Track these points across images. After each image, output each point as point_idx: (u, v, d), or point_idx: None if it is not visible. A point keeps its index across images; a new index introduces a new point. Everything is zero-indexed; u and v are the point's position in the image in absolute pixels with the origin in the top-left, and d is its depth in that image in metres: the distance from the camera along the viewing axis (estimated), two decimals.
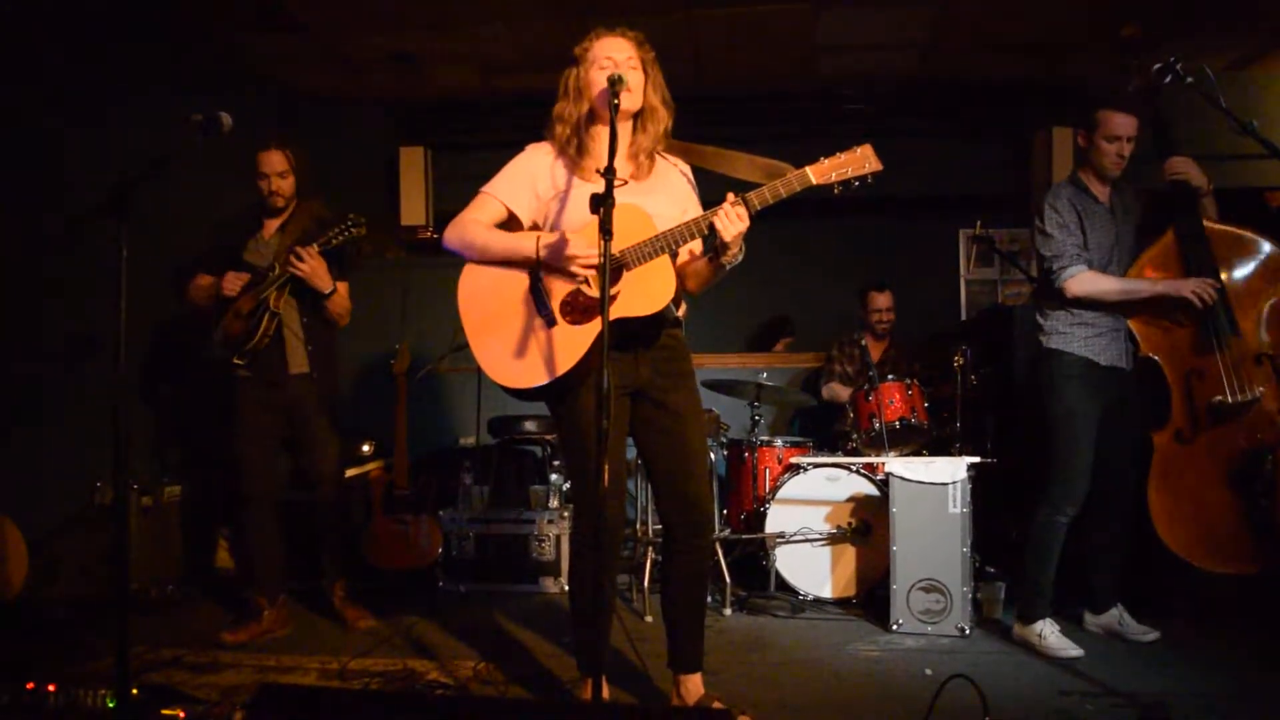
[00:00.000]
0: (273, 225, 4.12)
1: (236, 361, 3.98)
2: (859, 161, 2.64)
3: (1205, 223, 3.70)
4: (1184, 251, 3.69)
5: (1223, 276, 3.65)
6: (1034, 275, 4.96)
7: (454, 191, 6.19)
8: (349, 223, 3.93)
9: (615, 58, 2.76)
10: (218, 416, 4.24)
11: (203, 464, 5.44)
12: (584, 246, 2.69)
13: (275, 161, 4.06)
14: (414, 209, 6.39)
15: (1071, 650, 3.69)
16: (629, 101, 2.73)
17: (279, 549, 4.08)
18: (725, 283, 2.86)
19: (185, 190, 5.08)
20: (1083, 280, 3.69)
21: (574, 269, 2.71)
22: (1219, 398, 3.62)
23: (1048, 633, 3.76)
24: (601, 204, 2.38)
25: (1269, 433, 3.59)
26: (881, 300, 5.70)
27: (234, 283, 3.93)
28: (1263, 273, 3.69)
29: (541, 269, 2.78)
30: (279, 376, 4.04)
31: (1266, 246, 3.69)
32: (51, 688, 2.76)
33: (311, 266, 3.91)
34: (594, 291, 2.70)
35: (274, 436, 4.09)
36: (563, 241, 2.71)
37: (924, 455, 4.72)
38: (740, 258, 2.73)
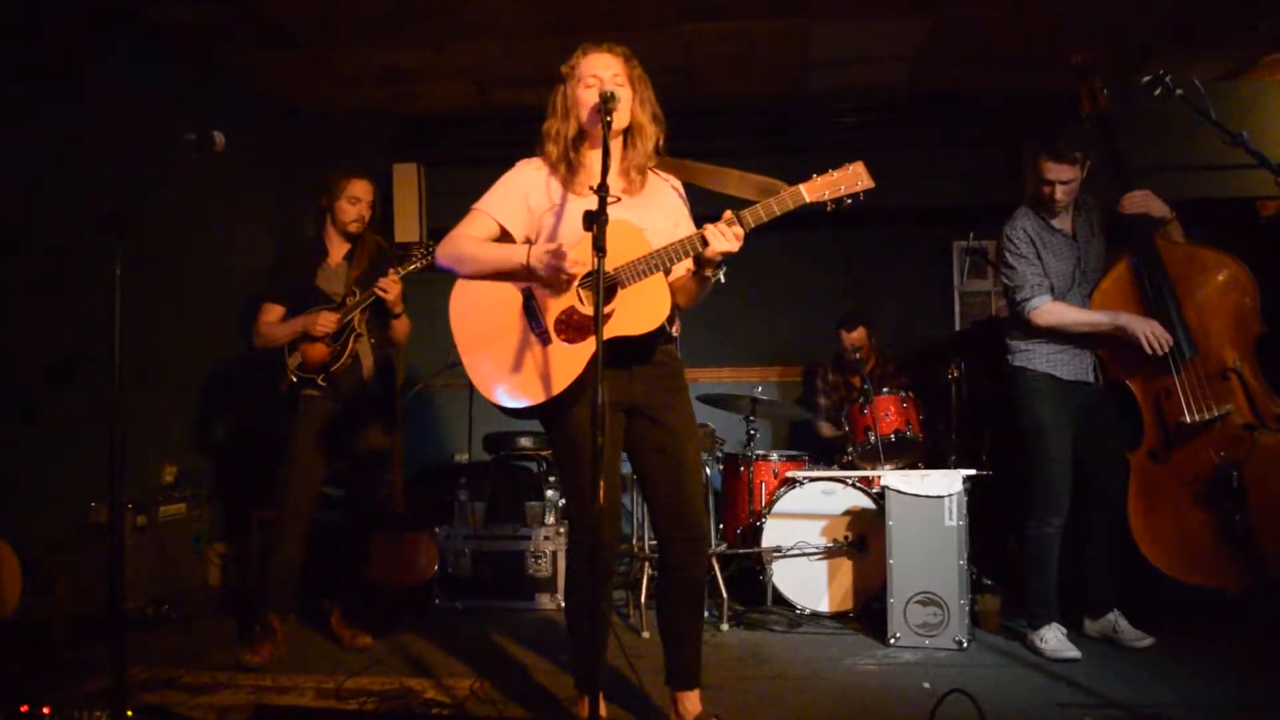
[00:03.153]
0: (339, 253, 4.22)
1: (320, 383, 4.05)
2: (851, 179, 2.65)
3: (1162, 243, 3.77)
4: (1140, 281, 3.77)
5: (1183, 295, 3.72)
6: None
7: (447, 208, 6.19)
8: (427, 248, 4.03)
9: (601, 75, 2.76)
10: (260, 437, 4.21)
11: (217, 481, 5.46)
12: (574, 256, 2.68)
13: (368, 190, 4.19)
14: (407, 226, 6.38)
15: (1069, 652, 3.75)
16: (616, 119, 2.72)
17: (299, 569, 4.08)
18: (718, 296, 2.86)
19: (182, 207, 5.12)
20: (1047, 312, 3.84)
21: (563, 276, 2.68)
22: (1182, 418, 3.68)
23: (1048, 635, 3.83)
24: (595, 220, 2.39)
25: (1234, 449, 3.63)
26: (850, 339, 5.52)
27: (329, 323, 4.03)
28: (1223, 288, 3.74)
29: (535, 285, 2.78)
30: (354, 395, 4.12)
31: (1226, 262, 3.75)
32: (46, 709, 2.75)
33: (399, 289, 4.06)
34: (588, 309, 2.70)
35: (325, 458, 4.11)
36: (554, 250, 2.67)
37: (920, 468, 4.72)
38: (721, 272, 2.73)
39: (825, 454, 5.54)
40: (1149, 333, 3.66)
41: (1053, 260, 3.87)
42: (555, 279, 2.71)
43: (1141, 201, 3.77)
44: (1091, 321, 3.80)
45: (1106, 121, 3.85)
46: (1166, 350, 3.65)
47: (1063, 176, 3.77)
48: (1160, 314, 3.70)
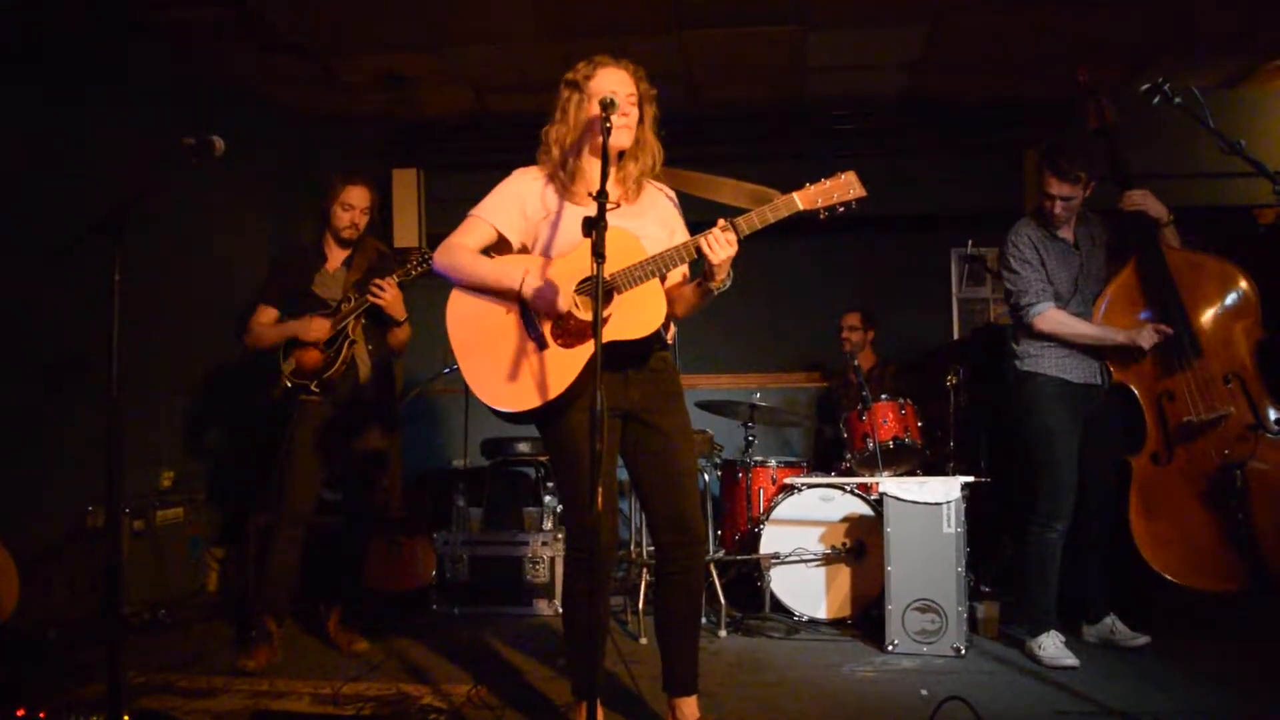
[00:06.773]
0: (337, 259, 4.20)
1: (313, 389, 4.03)
2: (844, 188, 2.67)
3: (1167, 249, 3.83)
4: (1145, 285, 3.83)
5: (1187, 299, 3.77)
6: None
7: (446, 213, 6.19)
8: (425, 255, 4.02)
9: (617, 93, 2.75)
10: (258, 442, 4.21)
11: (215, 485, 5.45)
12: (563, 291, 2.71)
13: (364, 196, 4.14)
14: (407, 231, 6.40)
15: (1067, 660, 3.75)
16: (624, 138, 2.76)
17: (296, 573, 4.07)
18: (717, 302, 2.86)
19: (181, 212, 5.12)
20: (1050, 319, 3.87)
21: (549, 311, 2.73)
22: (1188, 417, 3.73)
23: (1047, 643, 3.83)
24: (594, 227, 2.40)
25: (1238, 449, 3.66)
26: (845, 319, 5.71)
27: (320, 330, 4.01)
28: (1225, 294, 3.80)
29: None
30: (349, 400, 4.10)
31: (1228, 269, 3.81)
32: (43, 714, 2.75)
33: (393, 295, 4.02)
34: (584, 315, 2.71)
35: (323, 461, 4.09)
36: (545, 283, 2.72)
37: (918, 475, 4.72)
38: (728, 284, 2.74)
39: (824, 461, 5.54)
40: (1147, 338, 3.72)
41: (1056, 268, 3.91)
42: (548, 313, 2.75)
43: (1140, 200, 3.83)
44: (1094, 335, 3.83)
45: (1113, 137, 3.92)
46: (1162, 339, 3.71)
47: (1064, 193, 3.82)
48: (1167, 315, 3.75)
